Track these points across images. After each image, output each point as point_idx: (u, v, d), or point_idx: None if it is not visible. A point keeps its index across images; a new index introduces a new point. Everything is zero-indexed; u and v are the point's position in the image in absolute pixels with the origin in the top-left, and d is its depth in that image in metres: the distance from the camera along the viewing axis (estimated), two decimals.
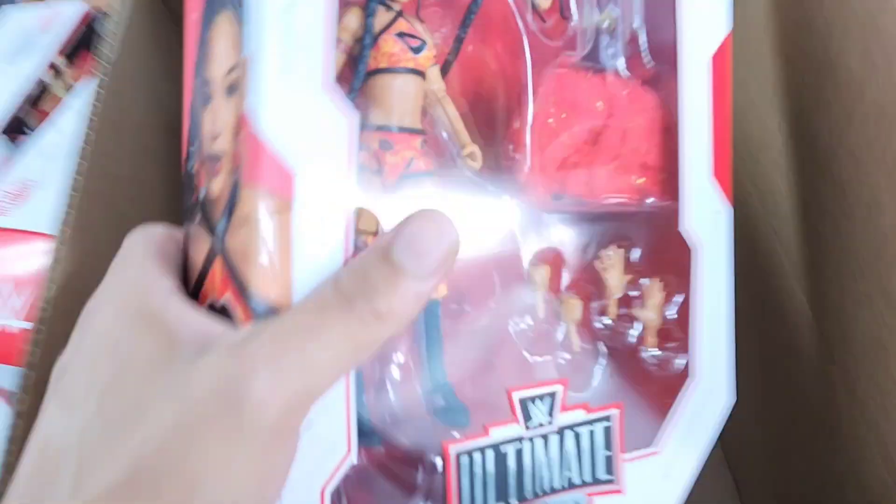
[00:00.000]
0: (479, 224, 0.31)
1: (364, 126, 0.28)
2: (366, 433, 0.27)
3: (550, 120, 0.32)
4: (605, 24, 0.33)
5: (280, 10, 0.23)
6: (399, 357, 0.30)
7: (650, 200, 0.34)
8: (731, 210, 0.35)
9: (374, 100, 0.28)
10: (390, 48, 0.28)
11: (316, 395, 0.22)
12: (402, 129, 0.29)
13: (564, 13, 0.31)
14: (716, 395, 0.35)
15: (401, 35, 0.28)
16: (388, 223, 0.27)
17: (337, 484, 0.25)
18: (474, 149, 0.30)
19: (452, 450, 0.28)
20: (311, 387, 0.22)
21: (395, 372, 0.30)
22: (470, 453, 0.28)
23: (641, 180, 0.35)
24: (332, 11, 0.24)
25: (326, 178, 0.24)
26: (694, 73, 0.33)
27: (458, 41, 0.30)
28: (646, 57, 0.34)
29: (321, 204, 0.24)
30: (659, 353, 0.35)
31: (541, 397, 0.30)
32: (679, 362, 0.35)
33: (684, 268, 0.34)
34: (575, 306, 0.32)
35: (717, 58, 0.34)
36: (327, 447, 0.24)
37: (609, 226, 0.33)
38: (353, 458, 0.25)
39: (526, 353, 0.31)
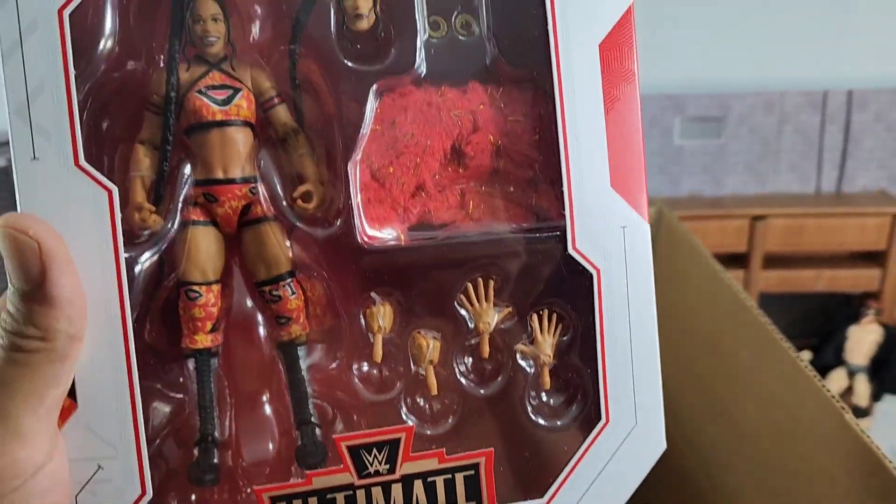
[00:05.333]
0: (327, 261, 0.30)
1: (194, 183, 0.29)
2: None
3: (392, 149, 0.29)
4: (448, 33, 0.29)
5: (19, 103, 0.26)
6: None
7: (547, 224, 0.30)
8: (645, 225, 0.29)
9: (194, 156, 0.29)
10: (192, 105, 0.28)
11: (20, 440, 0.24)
12: (226, 181, 0.29)
13: (380, 35, 0.29)
14: (638, 443, 0.30)
15: (203, 91, 0.28)
16: None
17: None
18: (310, 188, 0.29)
19: (265, 495, 0.28)
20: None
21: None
22: (289, 499, 0.28)
23: (533, 199, 0.30)
24: (75, 95, 0.26)
25: (89, 252, 0.26)
26: (576, 67, 0.28)
27: (292, 57, 0.29)
28: (510, 59, 0.29)
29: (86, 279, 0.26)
30: (553, 395, 0.30)
31: (377, 445, 0.28)
32: (581, 405, 0.30)
33: (582, 295, 0.29)
34: (426, 347, 0.29)
35: (607, 46, 0.28)
36: (117, 490, 0.27)
37: (475, 253, 0.30)
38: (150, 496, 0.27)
39: (369, 397, 0.30)
